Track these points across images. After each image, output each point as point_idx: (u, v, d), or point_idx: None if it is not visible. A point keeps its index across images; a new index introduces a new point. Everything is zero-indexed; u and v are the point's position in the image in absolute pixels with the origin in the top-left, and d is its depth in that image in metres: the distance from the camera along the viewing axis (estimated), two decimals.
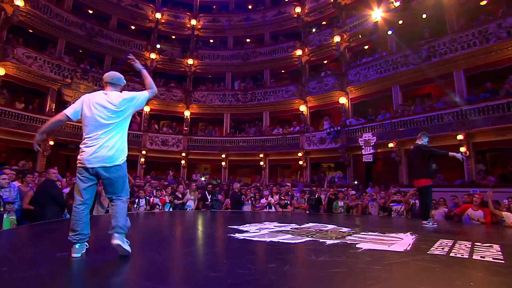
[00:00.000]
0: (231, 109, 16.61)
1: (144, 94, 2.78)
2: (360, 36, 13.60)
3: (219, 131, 17.07)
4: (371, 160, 11.97)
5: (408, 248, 3.18)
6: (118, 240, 2.35)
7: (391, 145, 11.37)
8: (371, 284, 1.97)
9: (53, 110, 13.53)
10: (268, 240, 3.53)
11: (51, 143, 12.89)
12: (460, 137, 9.63)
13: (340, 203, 8.80)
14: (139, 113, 16.23)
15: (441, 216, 6.93)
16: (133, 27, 17.00)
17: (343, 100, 13.94)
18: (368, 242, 3.57)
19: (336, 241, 3.57)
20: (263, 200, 9.55)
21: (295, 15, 16.35)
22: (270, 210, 9.14)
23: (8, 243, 3.26)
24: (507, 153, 10.00)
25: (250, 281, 1.99)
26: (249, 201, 9.61)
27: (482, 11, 10.48)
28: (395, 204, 8.21)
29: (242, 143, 15.96)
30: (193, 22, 17.50)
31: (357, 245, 3.36)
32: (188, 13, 17.67)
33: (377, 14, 11.98)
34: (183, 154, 16.08)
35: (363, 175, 13.34)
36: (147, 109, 16.15)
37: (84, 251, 2.46)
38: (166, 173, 15.42)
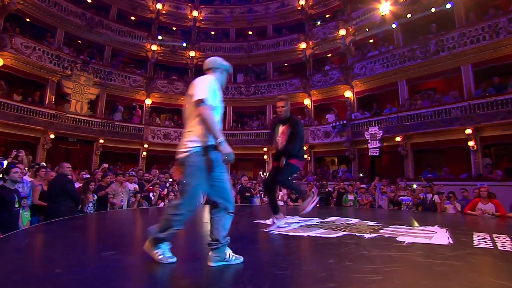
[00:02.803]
0: (234, 102, 16.44)
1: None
2: (367, 30, 13.52)
3: (222, 124, 16.90)
4: (377, 154, 12.02)
5: (451, 241, 3.17)
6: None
7: (398, 139, 11.42)
8: (449, 279, 1.94)
9: (53, 102, 13.21)
10: (305, 235, 3.49)
11: (52, 136, 12.58)
12: (468, 131, 9.71)
13: (350, 197, 8.81)
14: (140, 106, 15.97)
15: (454, 211, 7.00)
16: (133, 18, 16.58)
17: (348, 93, 13.91)
18: (405, 235, 3.55)
19: (373, 235, 3.55)
20: None
21: (299, 8, 16.15)
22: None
23: (41, 242, 3.13)
24: None
25: (324, 279, 1.94)
26: (258, 195, 9.58)
27: (491, 5, 10.49)
28: (404, 198, 8.29)
29: (245, 137, 15.87)
30: (195, 13, 17.16)
31: (397, 239, 3.34)
32: (190, 4, 17.31)
33: (385, 8, 11.89)
34: None
35: (368, 169, 13.41)
36: (148, 101, 15.87)
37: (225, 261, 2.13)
38: (168, 166, 15.25)
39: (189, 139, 2.10)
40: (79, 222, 4.39)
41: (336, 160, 16.03)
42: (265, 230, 3.79)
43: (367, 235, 3.53)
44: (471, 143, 9.77)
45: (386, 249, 2.80)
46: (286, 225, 4.28)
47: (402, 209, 7.96)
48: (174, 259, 2.10)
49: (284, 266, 2.21)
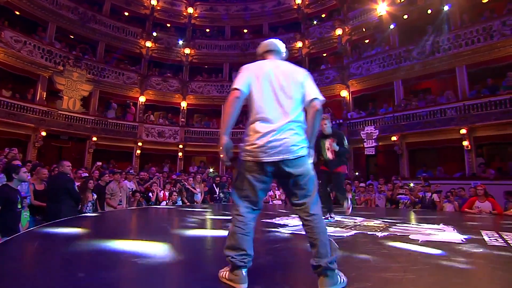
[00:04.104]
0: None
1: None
2: (364, 30, 13.63)
3: (217, 122, 16.79)
4: (373, 153, 12.16)
5: (464, 240, 3.21)
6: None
7: (393, 138, 11.58)
8: (479, 278, 1.96)
9: (44, 98, 12.83)
10: None
11: (43, 133, 12.23)
12: (463, 131, 9.92)
13: (348, 195, 8.85)
14: (134, 103, 15.70)
15: (452, 209, 7.13)
16: (127, 14, 16.25)
17: (344, 93, 14.00)
18: (416, 233, 3.59)
19: (385, 233, 3.58)
20: (270, 193, 9.56)
21: (295, 7, 16.15)
22: (273, 202, 9.20)
23: (52, 243, 3.01)
24: (504, 146, 10.42)
25: (357, 278, 1.94)
26: None
27: (485, 7, 10.72)
28: (402, 197, 8.42)
29: (241, 135, 15.77)
30: (190, 10, 16.95)
31: (410, 237, 3.38)
32: (185, 1, 17.06)
33: (381, 8, 12.01)
34: (180, 146, 15.74)
35: (364, 168, 13.55)
36: (142, 99, 15.62)
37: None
38: (162, 165, 15.08)
39: (301, 132, 1.82)
40: (84, 223, 4.26)
41: None
42: (275, 229, 3.78)
43: (379, 234, 3.55)
44: (465, 143, 9.98)
45: (405, 247, 2.81)
46: (296, 224, 4.28)
47: (400, 207, 8.08)
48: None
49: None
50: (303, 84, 1.87)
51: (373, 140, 12.05)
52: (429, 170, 11.16)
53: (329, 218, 4.76)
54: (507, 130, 9.28)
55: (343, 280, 1.74)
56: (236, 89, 1.80)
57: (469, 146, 9.99)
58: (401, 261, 2.35)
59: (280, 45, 2.10)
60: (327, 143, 4.52)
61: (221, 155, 1.82)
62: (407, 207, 7.95)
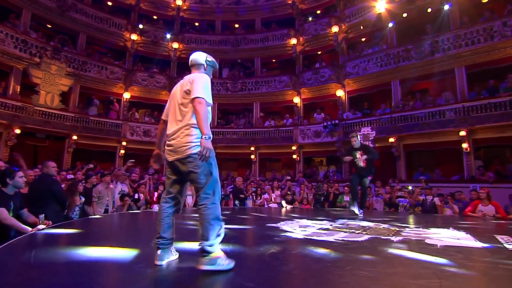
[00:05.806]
0: (219, 98, 16.13)
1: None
2: (361, 28, 13.79)
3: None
4: None
5: (482, 244, 3.26)
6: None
7: (391, 140, 11.76)
8: None
9: (18, 92, 12.31)
10: (332, 239, 3.47)
11: (17, 131, 11.74)
12: (462, 133, 10.17)
13: (346, 198, 8.95)
14: (118, 100, 15.34)
15: (452, 213, 7.30)
16: (110, 3, 15.85)
17: (340, 92, 14.13)
18: (432, 238, 3.63)
19: (399, 238, 3.61)
20: (266, 196, 9.56)
21: (290, 1, 16.19)
22: (269, 205, 9.21)
23: (52, 253, 2.86)
24: (503, 149, 10.77)
25: (391, 286, 1.90)
26: (250, 196, 9.57)
27: (485, 8, 11.04)
28: (402, 200, 8.56)
29: (229, 135, 15.71)
30: (179, 2, 16.71)
31: (426, 241, 3.41)
32: None
33: (380, 6, 12.21)
34: None
35: None
36: (127, 95, 15.27)
37: (170, 258, 2.28)
38: (147, 166, 14.77)
39: (196, 132, 2.19)
40: (75, 229, 4.09)
41: (324, 160, 16.28)
42: (285, 235, 3.74)
43: (393, 238, 3.57)
44: (465, 145, 10.24)
45: (427, 253, 2.81)
46: (304, 229, 4.25)
47: (399, 211, 8.21)
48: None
49: (340, 273, 2.16)
50: (190, 89, 2.23)
51: (369, 142, 12.19)
52: (427, 172, 11.38)
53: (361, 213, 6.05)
54: (506, 132, 9.58)
55: (224, 264, 2.05)
56: (161, 119, 2.50)
57: (468, 148, 10.27)
58: (429, 267, 2.35)
59: (200, 58, 2.46)
60: (358, 154, 6.04)
61: (151, 161, 2.44)
62: (407, 210, 8.08)
